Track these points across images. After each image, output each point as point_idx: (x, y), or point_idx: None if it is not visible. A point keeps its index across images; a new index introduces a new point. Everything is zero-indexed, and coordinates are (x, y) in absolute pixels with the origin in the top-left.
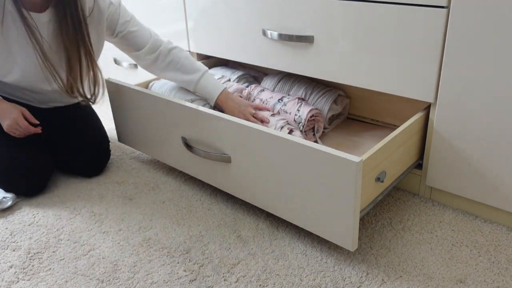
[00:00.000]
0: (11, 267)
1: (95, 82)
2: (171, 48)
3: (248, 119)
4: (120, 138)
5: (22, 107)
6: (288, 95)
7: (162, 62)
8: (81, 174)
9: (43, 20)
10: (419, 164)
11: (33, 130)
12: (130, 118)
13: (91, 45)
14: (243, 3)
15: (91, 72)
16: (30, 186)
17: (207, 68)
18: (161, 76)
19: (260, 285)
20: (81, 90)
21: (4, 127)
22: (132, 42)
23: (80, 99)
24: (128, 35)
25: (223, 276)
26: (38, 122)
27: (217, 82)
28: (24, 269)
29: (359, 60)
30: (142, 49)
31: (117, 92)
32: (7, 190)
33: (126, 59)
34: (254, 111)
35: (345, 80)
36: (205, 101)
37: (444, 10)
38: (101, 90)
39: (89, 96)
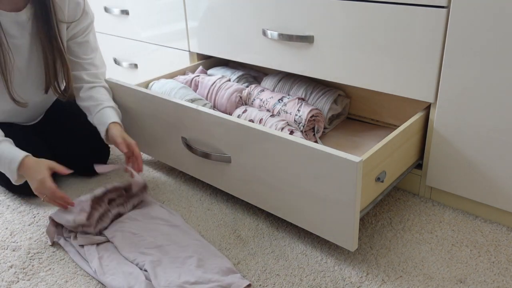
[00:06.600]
0: (11, 267)
1: (68, 78)
2: (93, 86)
3: (130, 145)
4: None
5: (51, 162)
6: (288, 95)
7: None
8: (81, 172)
9: (22, 19)
10: (419, 164)
11: (59, 195)
12: (130, 118)
13: (62, 41)
14: (243, 3)
15: (64, 68)
16: None
17: (113, 105)
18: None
19: (260, 285)
20: (57, 87)
21: (33, 190)
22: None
23: (56, 95)
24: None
25: None
26: (70, 171)
27: (111, 116)
28: (24, 269)
29: (359, 60)
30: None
31: (117, 92)
32: (13, 191)
33: (126, 59)
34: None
35: (345, 80)
36: (205, 101)
37: (444, 10)
38: (71, 85)
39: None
